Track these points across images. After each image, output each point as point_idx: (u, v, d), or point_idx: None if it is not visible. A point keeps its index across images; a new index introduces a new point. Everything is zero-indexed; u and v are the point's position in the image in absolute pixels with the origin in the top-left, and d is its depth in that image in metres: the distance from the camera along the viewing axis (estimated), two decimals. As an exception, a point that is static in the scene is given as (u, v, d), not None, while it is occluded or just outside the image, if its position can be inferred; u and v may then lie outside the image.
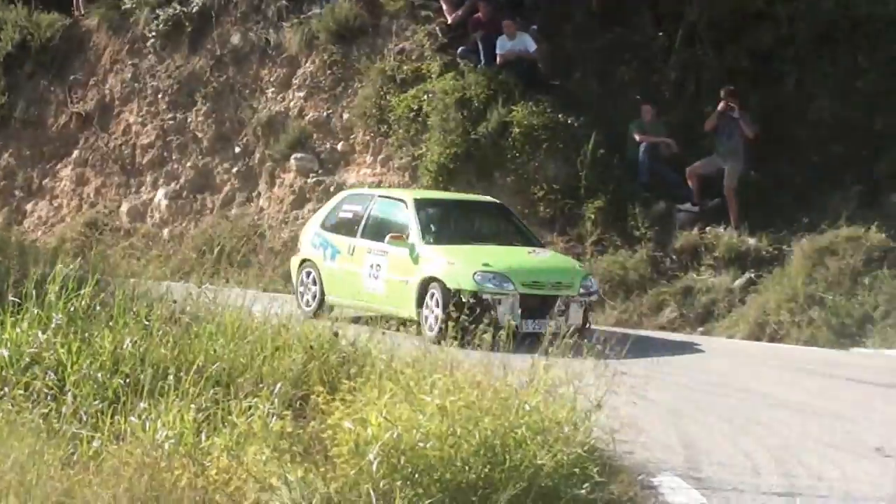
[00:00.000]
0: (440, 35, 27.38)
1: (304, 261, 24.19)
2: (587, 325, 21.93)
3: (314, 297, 23.66)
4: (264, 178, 28.00)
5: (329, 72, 28.09)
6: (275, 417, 13.14)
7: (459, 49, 27.03)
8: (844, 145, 25.29)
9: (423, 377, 14.12)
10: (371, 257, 22.86)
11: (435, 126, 26.01)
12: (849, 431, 17.16)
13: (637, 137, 25.43)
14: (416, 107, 26.43)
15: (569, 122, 25.56)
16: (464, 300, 20.29)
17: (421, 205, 23.34)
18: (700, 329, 23.88)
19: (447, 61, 26.96)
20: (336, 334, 15.33)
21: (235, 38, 29.42)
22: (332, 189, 26.92)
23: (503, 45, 26.47)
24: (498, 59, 26.46)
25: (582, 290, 21.90)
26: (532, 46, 26.52)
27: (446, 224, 23.81)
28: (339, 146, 27.55)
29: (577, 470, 13.48)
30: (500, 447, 13.20)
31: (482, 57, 26.64)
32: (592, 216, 24.80)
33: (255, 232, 26.68)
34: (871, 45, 25.38)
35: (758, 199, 24.67)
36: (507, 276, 21.62)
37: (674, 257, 24.57)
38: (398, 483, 12.59)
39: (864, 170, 24.97)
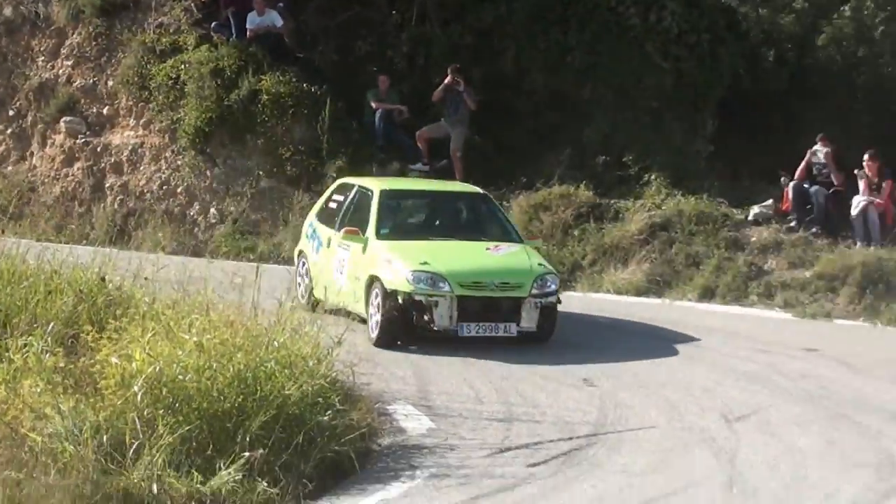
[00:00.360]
0: (195, 11, 27.24)
1: (300, 252, 21.74)
2: (546, 328, 18.78)
3: (307, 289, 20.99)
4: (36, 138, 27.65)
5: (94, 43, 27.75)
6: (48, 354, 13.18)
7: (213, 24, 26.96)
8: (556, 113, 25.82)
9: (182, 317, 14.25)
10: (339, 251, 20.09)
11: (191, 93, 25.94)
12: (560, 364, 17.65)
13: (373, 105, 25.65)
14: (174, 76, 26.33)
15: (312, 90, 25.66)
16: (401, 301, 18.32)
17: (388, 195, 20.48)
18: None
19: (202, 35, 26.86)
20: (103, 279, 15.34)
21: (8, 11, 28.91)
22: (98, 150, 26.77)
23: (252, 21, 26.45)
24: (248, 34, 26.47)
25: (535, 291, 18.52)
26: (279, 22, 26.55)
27: (415, 217, 21.08)
28: (105, 110, 27.29)
29: (320, 399, 13.73)
30: (251, 379, 13.39)
31: (234, 31, 26.60)
32: (334, 174, 24.93)
33: (29, 188, 26.35)
34: (580, 25, 25.82)
35: (481, 161, 25.01)
36: (443, 276, 18.44)
37: (407, 212, 24.82)
38: (160, 412, 12.71)
39: (573, 135, 25.49)
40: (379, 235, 19.46)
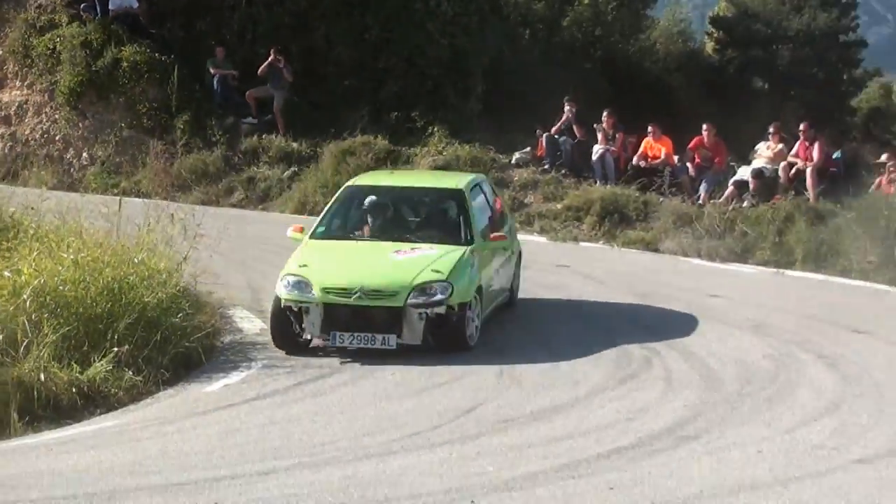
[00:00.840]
0: (68, -7, 26.80)
1: None
2: (440, 340, 13.68)
3: None
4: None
5: (-15, 20, 27.28)
6: (-47, 271, 13.09)
7: (82, 5, 26.51)
8: (358, 79, 25.89)
9: (62, 239, 14.20)
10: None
11: (66, 61, 25.51)
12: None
13: (212, 71, 25.49)
14: (51, 46, 25.84)
15: (162, 59, 25.38)
16: (281, 307, 13.83)
17: (353, 190, 15.75)
18: (260, 206, 24.07)
19: (73, 14, 26.38)
20: (-3, 210, 15.21)
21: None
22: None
23: (114, 2, 26.09)
24: (110, 13, 26.10)
25: (414, 301, 13.50)
26: (135, 4, 26.24)
27: (377, 214, 15.23)
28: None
29: (173, 305, 13.82)
30: (118, 289, 13.43)
31: (98, 11, 26.20)
32: (182, 126, 24.79)
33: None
34: (377, 8, 25.90)
35: (299, 117, 25.00)
36: (308, 282, 13.70)
37: (241, 156, 24.78)
38: (45, 315, 12.69)
39: (372, 96, 25.61)
40: (313, 234, 15.02)
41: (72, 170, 25.38)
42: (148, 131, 25.31)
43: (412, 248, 14.45)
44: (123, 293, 13.39)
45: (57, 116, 25.97)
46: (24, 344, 12.29)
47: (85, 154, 25.57)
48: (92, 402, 12.32)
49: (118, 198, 16.92)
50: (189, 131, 24.91)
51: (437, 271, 13.79)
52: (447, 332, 13.61)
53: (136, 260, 13.99)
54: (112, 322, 13.03)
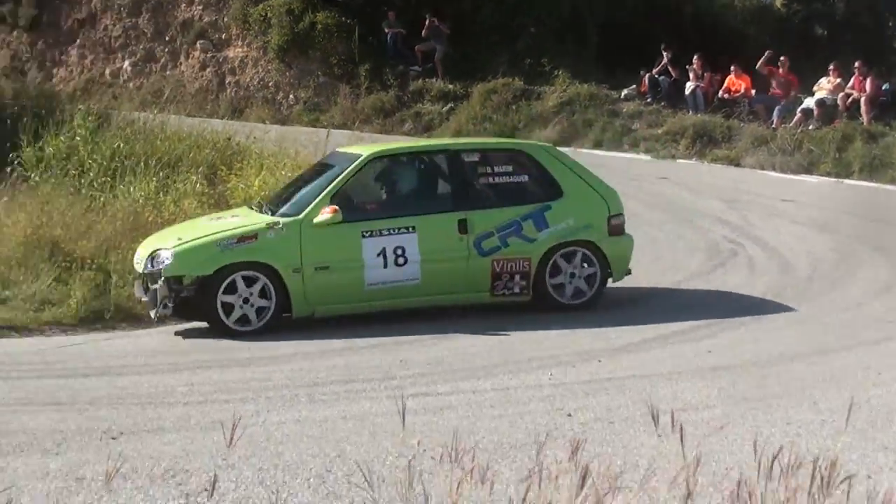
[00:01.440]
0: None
1: None
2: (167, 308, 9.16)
3: None
4: (182, 54, 26.96)
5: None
6: (198, 184, 13.41)
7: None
8: (499, 34, 25.32)
9: (279, 160, 14.44)
10: None
11: (275, 25, 25.60)
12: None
13: (386, 30, 25.34)
14: (264, 14, 25.88)
15: (347, 22, 25.16)
16: None
17: (370, 162, 9.83)
18: (425, 135, 23.72)
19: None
20: (229, 139, 15.41)
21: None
22: (220, 60, 26.48)
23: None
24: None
25: (148, 269, 9.25)
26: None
27: (358, 188, 9.87)
28: (223, 36, 26.62)
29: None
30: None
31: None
32: (363, 73, 24.70)
33: (180, 84, 25.96)
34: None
35: (454, 65, 24.72)
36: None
37: (409, 96, 24.66)
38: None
39: (510, 46, 25.17)
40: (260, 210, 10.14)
41: (282, 108, 25.57)
42: (338, 78, 25.33)
43: (223, 216, 10.24)
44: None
45: (270, 68, 26.15)
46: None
47: (291, 96, 25.73)
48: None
49: (318, 129, 17.11)
50: (369, 77, 24.86)
51: (180, 238, 9.46)
52: (167, 299, 9.14)
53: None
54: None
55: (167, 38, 27.35)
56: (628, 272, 10.37)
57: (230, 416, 5.92)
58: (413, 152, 10.48)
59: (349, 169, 9.71)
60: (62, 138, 13.58)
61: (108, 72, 27.44)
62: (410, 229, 9.57)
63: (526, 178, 10.20)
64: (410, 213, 9.67)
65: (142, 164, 13.21)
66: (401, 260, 9.49)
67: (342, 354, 8.42)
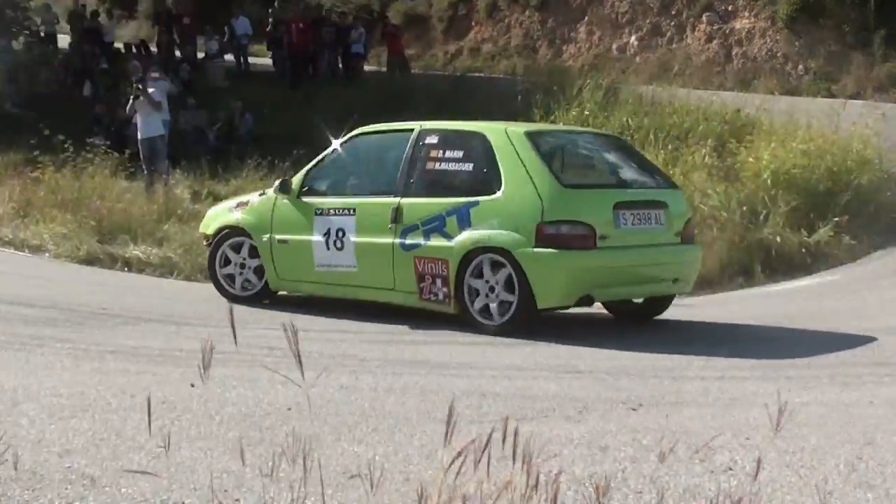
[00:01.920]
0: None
1: None
2: None
3: None
4: (688, 27, 27.27)
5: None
6: (707, 157, 13.31)
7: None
8: None
9: (791, 133, 13.95)
10: None
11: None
12: None
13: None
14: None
15: None
16: None
17: (350, 140, 9.29)
18: None
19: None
20: (738, 111, 15.11)
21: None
22: (726, 32, 26.06)
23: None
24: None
25: None
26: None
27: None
28: (729, 8, 26.32)
29: (882, 186, 13.19)
30: (837, 172, 13.01)
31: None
32: (878, 40, 23.02)
33: (687, 58, 25.85)
34: None
35: None
36: None
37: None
38: (780, 192, 12.59)
39: None
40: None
41: (790, 79, 24.59)
42: (850, 46, 23.89)
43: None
44: (842, 175, 12.94)
45: (778, 38, 25.27)
46: (764, 214, 12.29)
47: (801, 66, 24.68)
48: (817, 260, 12.13)
49: (830, 100, 16.29)
50: (885, 44, 23.13)
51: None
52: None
53: (853, 149, 13.40)
54: (832, 197, 12.69)
55: (673, 12, 27.37)
56: (587, 301, 7.89)
57: (746, 393, 5.74)
58: (388, 130, 9.18)
59: (334, 145, 9.25)
60: (573, 112, 14.05)
61: (615, 47, 28.00)
62: (351, 212, 8.78)
63: (470, 166, 8.25)
64: (355, 195, 8.89)
65: (651, 136, 13.33)
66: (339, 243, 8.77)
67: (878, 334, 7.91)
